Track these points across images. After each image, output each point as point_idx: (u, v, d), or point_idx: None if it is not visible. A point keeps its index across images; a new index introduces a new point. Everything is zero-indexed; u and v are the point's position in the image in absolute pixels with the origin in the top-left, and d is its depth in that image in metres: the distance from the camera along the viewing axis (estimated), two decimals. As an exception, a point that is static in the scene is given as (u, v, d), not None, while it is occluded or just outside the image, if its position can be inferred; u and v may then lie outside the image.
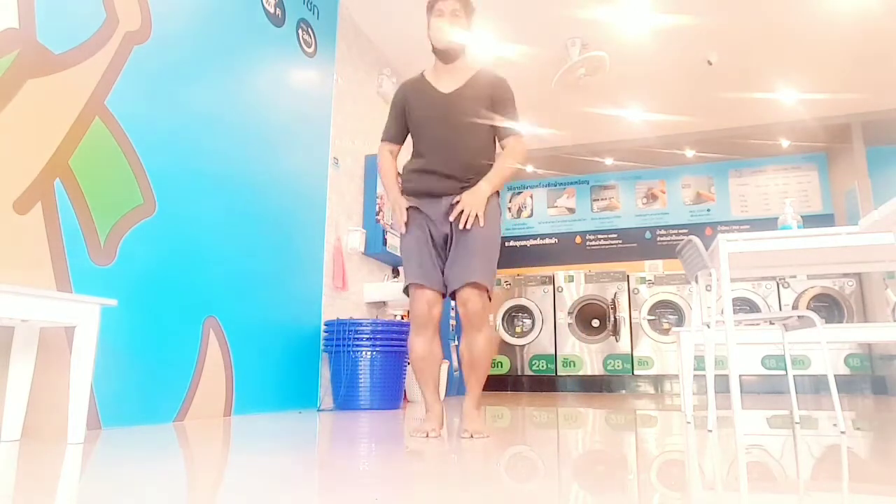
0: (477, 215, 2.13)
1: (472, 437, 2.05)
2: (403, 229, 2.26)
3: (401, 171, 2.37)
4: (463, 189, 2.21)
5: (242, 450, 1.74)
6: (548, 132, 6.61)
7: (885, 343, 5.36)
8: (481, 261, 2.14)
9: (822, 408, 3.63)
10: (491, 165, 2.27)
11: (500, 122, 2.27)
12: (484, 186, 2.17)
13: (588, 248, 7.39)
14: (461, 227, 2.13)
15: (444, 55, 2.27)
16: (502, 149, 2.32)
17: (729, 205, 7.02)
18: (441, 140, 2.23)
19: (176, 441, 1.95)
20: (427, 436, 2.08)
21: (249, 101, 3.26)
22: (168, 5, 2.72)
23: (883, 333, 2.95)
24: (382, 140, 2.41)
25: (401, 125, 2.37)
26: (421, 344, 2.20)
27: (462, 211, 2.13)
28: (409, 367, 4.09)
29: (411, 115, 2.31)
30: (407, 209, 2.25)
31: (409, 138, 2.42)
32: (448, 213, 2.19)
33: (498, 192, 2.29)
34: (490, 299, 2.19)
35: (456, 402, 4.37)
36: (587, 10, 4.42)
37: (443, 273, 2.21)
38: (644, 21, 4.55)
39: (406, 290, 2.26)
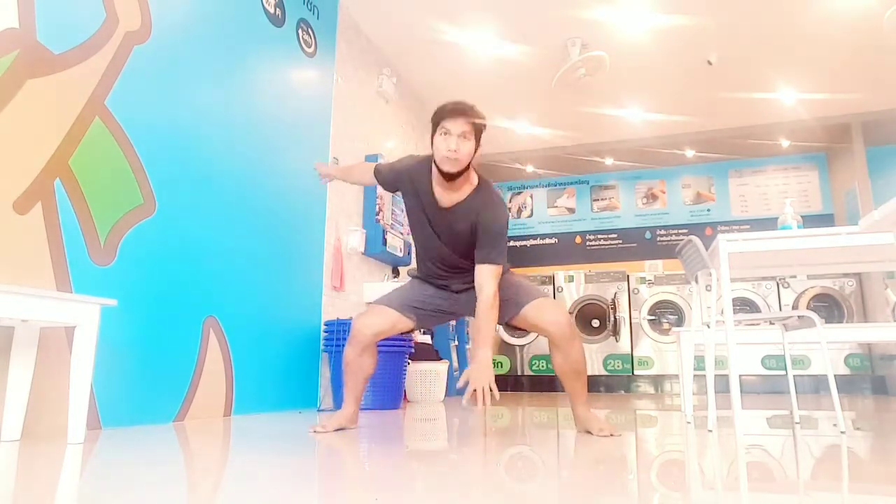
0: (491, 389, 1.95)
1: (611, 434, 2.07)
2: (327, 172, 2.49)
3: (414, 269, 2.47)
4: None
5: (242, 450, 1.74)
6: (548, 132, 6.60)
7: (885, 343, 5.35)
8: (526, 285, 2.27)
9: (822, 408, 3.63)
10: None
11: (479, 248, 2.16)
12: (486, 356, 2.01)
13: (588, 248, 7.38)
14: (479, 405, 1.95)
15: (446, 175, 2.10)
16: (475, 276, 2.16)
17: (729, 205, 7.02)
18: (441, 248, 2.24)
19: (176, 441, 1.95)
20: (314, 431, 2.20)
21: (249, 101, 3.26)
22: (168, 5, 2.72)
23: (883, 333, 2.95)
24: (375, 175, 2.40)
25: (394, 186, 2.35)
26: (351, 353, 2.32)
27: (475, 390, 1.93)
28: (408, 368, 4.09)
29: (408, 207, 2.31)
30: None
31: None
32: (453, 294, 2.31)
33: (505, 207, 2.29)
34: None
35: (457, 401, 4.37)
36: (587, 10, 4.42)
37: (428, 310, 2.33)
38: (644, 21, 4.55)
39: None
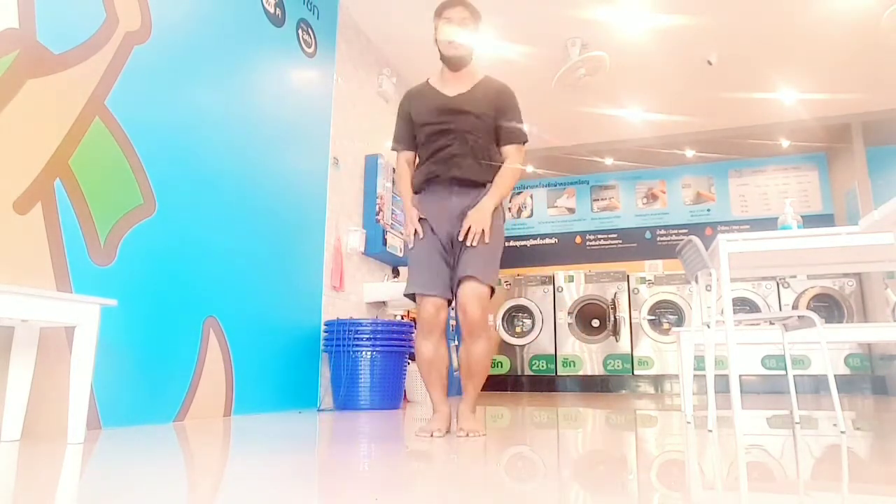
0: (483, 231, 2.18)
1: (468, 435, 2.08)
2: (411, 242, 2.31)
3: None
4: (473, 187, 2.27)
5: (242, 450, 1.74)
6: (548, 132, 6.61)
7: (885, 343, 5.36)
8: (484, 261, 2.18)
9: (822, 408, 3.63)
10: (494, 168, 2.29)
11: (504, 128, 2.30)
12: (487, 203, 2.22)
13: (588, 248, 7.39)
14: (469, 244, 2.18)
15: (453, 62, 2.28)
16: (503, 156, 2.33)
17: (729, 205, 7.02)
18: (447, 143, 2.25)
19: (176, 441, 1.95)
20: (431, 435, 2.10)
21: (249, 101, 3.26)
22: (168, 5, 2.72)
23: (883, 333, 2.95)
24: (395, 149, 2.44)
25: (410, 132, 2.39)
26: (428, 347, 2.23)
27: (469, 228, 2.18)
28: (408, 368, 4.09)
29: (417, 119, 2.33)
30: (419, 220, 2.30)
31: None
32: (456, 216, 2.25)
33: (502, 202, 2.32)
34: (491, 297, 2.23)
35: (457, 401, 4.37)
36: (587, 10, 4.42)
37: (450, 279, 2.26)
38: (644, 21, 4.55)
39: (410, 296, 2.29)
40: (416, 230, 2.27)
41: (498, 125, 2.30)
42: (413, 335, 3.74)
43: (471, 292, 2.15)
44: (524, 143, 2.35)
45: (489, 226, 2.19)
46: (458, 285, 2.19)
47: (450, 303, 2.28)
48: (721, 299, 2.38)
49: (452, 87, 2.31)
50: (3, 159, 1.98)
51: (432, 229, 2.27)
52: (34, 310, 1.77)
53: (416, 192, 2.36)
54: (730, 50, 4.93)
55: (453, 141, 2.25)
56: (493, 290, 2.22)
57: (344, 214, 4.20)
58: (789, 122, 6.25)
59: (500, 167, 2.31)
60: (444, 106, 2.27)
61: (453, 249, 2.27)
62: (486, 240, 2.17)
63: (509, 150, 2.32)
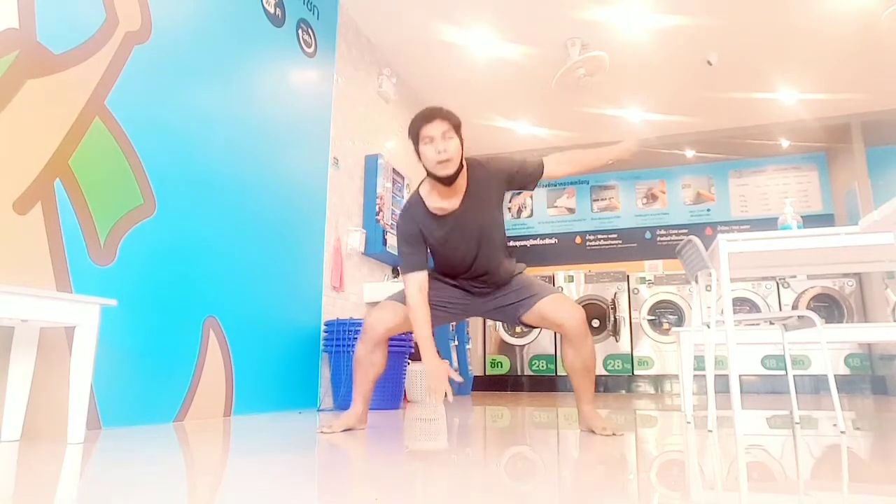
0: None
1: (613, 434, 2.09)
2: (439, 401, 2.27)
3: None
4: (499, 288, 2.29)
5: (242, 450, 1.74)
6: (548, 132, 6.61)
7: (885, 343, 5.36)
8: (539, 282, 2.29)
9: (822, 408, 3.63)
10: (508, 259, 2.31)
11: (524, 173, 2.22)
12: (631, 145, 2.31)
13: (588, 248, 7.39)
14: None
15: (447, 181, 2.08)
16: (547, 172, 2.24)
17: (729, 205, 7.02)
18: (464, 255, 2.21)
19: (176, 441, 1.95)
20: (321, 431, 2.19)
21: (249, 101, 3.26)
22: (168, 5, 2.72)
23: (883, 333, 2.95)
24: (407, 273, 2.19)
25: (423, 252, 2.21)
26: (362, 349, 2.30)
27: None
28: (408, 368, 4.09)
29: (429, 239, 2.21)
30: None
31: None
32: (468, 295, 2.30)
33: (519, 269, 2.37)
34: None
35: (457, 401, 4.37)
36: (587, 10, 4.42)
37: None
38: (644, 21, 4.55)
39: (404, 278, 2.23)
40: (446, 393, 2.03)
41: (512, 180, 2.22)
42: (412, 335, 3.75)
43: (563, 301, 2.21)
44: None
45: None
46: (537, 307, 2.20)
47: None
48: (721, 299, 2.39)
49: (450, 200, 2.15)
50: (3, 159, 1.98)
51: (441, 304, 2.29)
52: (34, 310, 1.77)
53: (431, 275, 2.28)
54: (730, 50, 4.93)
55: (469, 250, 2.19)
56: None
57: (344, 214, 4.20)
58: (789, 122, 6.25)
59: (511, 262, 2.32)
60: (446, 224, 2.16)
61: (456, 312, 2.35)
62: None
63: (548, 162, 2.24)
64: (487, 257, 2.22)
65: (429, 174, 2.11)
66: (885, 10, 4.23)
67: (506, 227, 2.32)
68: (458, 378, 2.06)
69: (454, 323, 5.30)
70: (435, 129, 2.03)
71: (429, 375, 2.08)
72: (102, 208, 2.33)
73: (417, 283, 2.17)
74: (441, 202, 2.14)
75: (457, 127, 2.08)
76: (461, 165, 2.08)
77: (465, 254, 2.20)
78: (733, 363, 2.28)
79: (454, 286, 2.33)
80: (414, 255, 2.19)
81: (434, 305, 2.26)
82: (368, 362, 2.30)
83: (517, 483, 1.25)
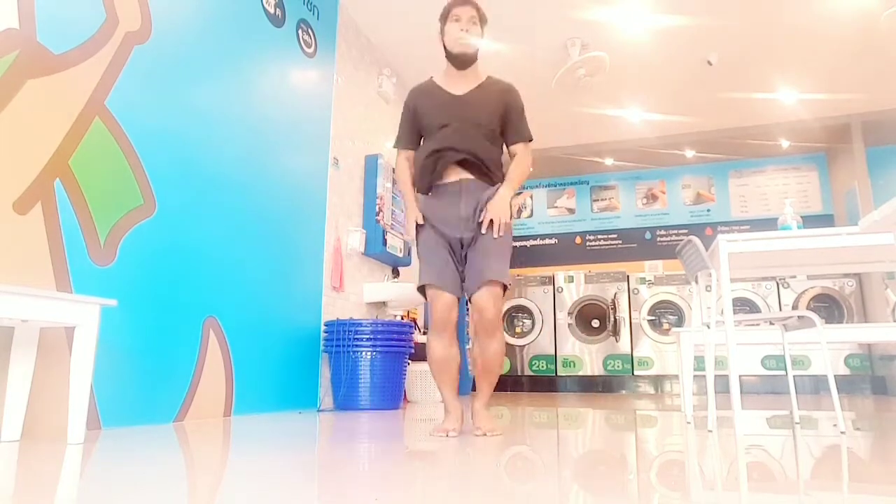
0: (502, 222, 2.22)
1: (485, 434, 2.09)
2: (411, 234, 2.33)
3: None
4: (479, 180, 2.28)
5: (242, 450, 1.74)
6: (547, 132, 6.61)
7: (885, 343, 5.36)
8: (496, 261, 2.20)
9: (822, 408, 3.63)
10: (499, 168, 2.32)
11: (511, 125, 2.33)
12: (505, 192, 2.26)
13: (588, 248, 7.39)
14: (494, 236, 2.20)
15: (460, 61, 2.29)
16: (510, 154, 2.38)
17: (729, 205, 7.02)
18: (453, 139, 2.26)
19: (176, 441, 1.95)
20: (447, 434, 2.11)
21: (249, 101, 3.26)
22: (168, 5, 2.72)
23: (883, 333, 2.95)
24: (397, 147, 2.44)
25: (414, 131, 2.39)
26: (440, 346, 2.23)
27: (491, 220, 2.21)
28: (408, 368, 4.09)
29: (423, 118, 2.33)
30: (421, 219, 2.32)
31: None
32: (465, 218, 2.25)
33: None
34: (504, 294, 2.24)
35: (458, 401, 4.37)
36: (587, 10, 4.42)
37: (461, 279, 2.27)
38: (644, 21, 4.55)
39: (421, 290, 2.29)
40: (416, 221, 2.29)
41: (504, 123, 2.33)
42: (412, 335, 3.75)
43: (487, 294, 2.16)
44: (530, 141, 2.38)
45: (509, 217, 2.23)
46: (474, 286, 2.19)
47: (459, 300, 2.28)
48: (721, 299, 2.38)
49: (458, 85, 2.32)
50: (3, 159, 1.98)
51: (439, 232, 2.27)
52: (34, 310, 1.77)
53: (421, 193, 2.36)
54: (730, 50, 4.94)
55: (461, 135, 2.25)
56: (506, 288, 2.23)
57: (344, 214, 4.20)
58: (789, 122, 6.26)
59: (500, 167, 2.33)
60: (450, 104, 2.29)
61: (461, 251, 2.28)
62: (503, 231, 2.21)
63: (517, 149, 2.36)
64: (474, 146, 2.25)
65: (447, 55, 2.30)
66: (885, 10, 4.23)
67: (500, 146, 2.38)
68: (419, 219, 2.27)
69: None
70: (464, 12, 2.26)
71: (407, 211, 2.35)
72: (102, 208, 2.33)
73: (405, 157, 2.43)
74: (449, 87, 2.31)
75: (483, 20, 2.32)
76: (476, 56, 2.28)
77: (453, 135, 2.25)
78: (733, 363, 2.28)
79: (448, 214, 2.26)
80: (405, 132, 2.41)
81: (451, 267, 2.24)
82: (451, 357, 2.24)
83: (517, 483, 1.25)
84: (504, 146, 2.38)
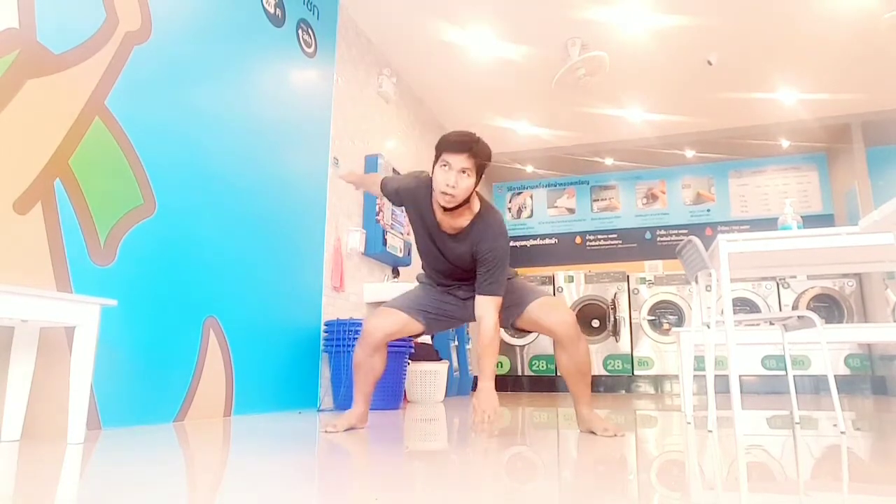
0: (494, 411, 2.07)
1: (615, 435, 2.08)
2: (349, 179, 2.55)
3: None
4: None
5: (242, 450, 1.74)
6: (548, 132, 6.61)
7: (885, 343, 5.36)
8: (529, 286, 2.32)
9: (822, 408, 3.63)
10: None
11: (479, 278, 2.16)
12: (487, 387, 2.06)
13: (588, 248, 7.39)
14: (485, 431, 2.21)
15: (443, 207, 2.10)
16: (475, 308, 2.18)
17: (729, 205, 7.02)
18: (447, 267, 2.28)
19: (176, 441, 1.95)
20: (326, 431, 2.21)
21: (249, 101, 3.26)
22: (168, 5, 2.72)
23: (883, 333, 2.95)
24: (383, 191, 2.42)
25: (395, 203, 2.38)
26: (361, 354, 2.33)
27: (485, 416, 2.02)
28: (408, 368, 4.09)
29: (411, 221, 2.31)
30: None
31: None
32: (460, 300, 2.33)
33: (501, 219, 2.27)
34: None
35: (457, 402, 4.37)
36: (587, 10, 4.42)
37: (437, 319, 2.36)
38: (644, 21, 4.55)
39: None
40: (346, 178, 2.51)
41: (478, 270, 2.16)
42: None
43: (554, 305, 2.23)
44: (498, 297, 2.16)
45: (497, 407, 2.03)
46: (527, 312, 2.21)
47: (421, 333, 2.39)
48: (721, 299, 2.39)
49: (449, 220, 2.16)
50: (3, 159, 1.98)
51: (438, 305, 2.35)
52: (34, 310, 1.77)
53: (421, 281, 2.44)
54: (730, 50, 4.93)
55: (447, 266, 2.27)
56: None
57: (344, 214, 4.20)
58: (789, 122, 6.25)
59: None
60: (438, 237, 2.21)
61: (451, 319, 2.39)
62: (500, 422, 2.24)
63: (481, 301, 2.14)
64: (463, 276, 2.28)
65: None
66: (885, 13, 4.23)
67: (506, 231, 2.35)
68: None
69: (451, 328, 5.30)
70: (457, 161, 2.00)
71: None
72: (102, 208, 2.33)
73: (381, 188, 2.43)
74: (441, 218, 2.18)
75: (481, 167, 2.05)
76: (466, 202, 2.09)
77: (445, 265, 2.27)
78: (733, 363, 2.28)
79: (445, 292, 2.36)
80: (394, 187, 2.35)
81: (430, 314, 2.33)
82: (368, 366, 2.33)
83: (517, 483, 1.25)
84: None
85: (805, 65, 5.19)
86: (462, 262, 2.21)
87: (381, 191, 2.42)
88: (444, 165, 2.01)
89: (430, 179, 2.13)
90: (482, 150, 2.05)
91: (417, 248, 2.34)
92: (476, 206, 2.17)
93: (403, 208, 2.35)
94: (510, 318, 2.25)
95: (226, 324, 2.96)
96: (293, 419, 2.81)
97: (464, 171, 2.00)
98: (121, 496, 1.08)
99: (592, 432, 2.15)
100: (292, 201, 3.59)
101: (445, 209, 2.08)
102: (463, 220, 2.15)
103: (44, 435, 2.00)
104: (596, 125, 6.45)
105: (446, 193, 2.01)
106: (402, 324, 2.29)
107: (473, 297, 2.22)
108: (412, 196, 2.24)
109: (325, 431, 2.21)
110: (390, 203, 2.49)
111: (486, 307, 2.12)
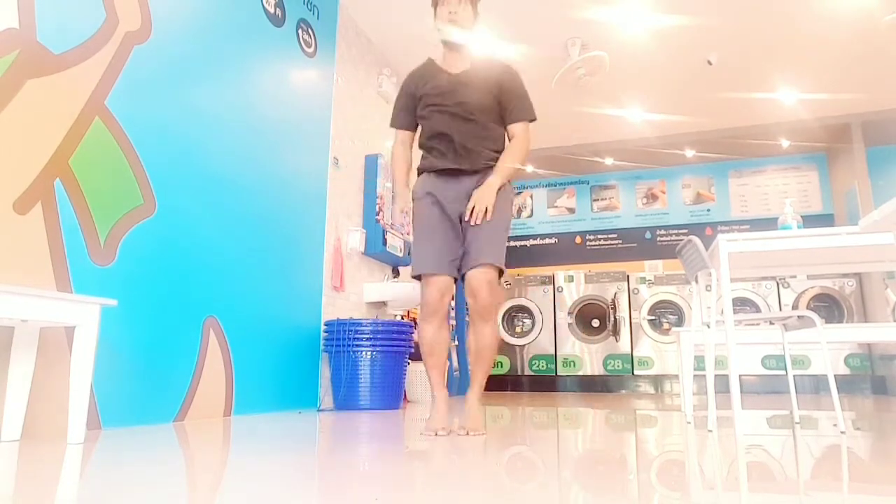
0: (487, 210, 2.18)
1: (468, 434, 2.07)
2: (400, 219, 2.32)
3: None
4: (476, 172, 2.26)
5: (242, 450, 1.74)
6: (548, 132, 6.61)
7: (885, 343, 5.36)
8: (490, 244, 2.18)
9: (822, 408, 3.63)
10: (500, 149, 2.31)
11: (511, 104, 2.29)
12: (493, 180, 2.22)
13: (588, 248, 7.39)
14: (472, 223, 2.18)
15: (452, 43, 2.29)
16: (509, 136, 2.34)
17: (729, 205, 7.02)
18: (452, 121, 2.25)
19: (176, 441, 1.95)
20: (436, 434, 2.09)
21: (249, 101, 3.26)
22: (168, 5, 2.72)
23: (883, 333, 2.95)
24: (393, 126, 2.42)
25: (411, 111, 2.38)
26: (430, 330, 2.23)
27: (474, 207, 2.18)
28: (408, 368, 4.09)
29: (421, 98, 2.32)
30: (417, 198, 2.30)
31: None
32: (465, 195, 2.25)
33: (510, 181, 2.31)
34: (500, 278, 2.24)
35: (457, 402, 4.37)
36: (587, 10, 4.42)
37: (459, 257, 2.25)
38: (644, 21, 4.55)
39: (416, 276, 2.28)
40: (404, 211, 2.28)
41: (504, 102, 2.29)
42: (412, 335, 3.75)
43: (482, 277, 2.15)
44: (532, 121, 2.33)
45: (493, 204, 2.18)
46: (468, 269, 2.18)
47: (456, 280, 2.27)
48: (721, 299, 2.38)
49: (456, 65, 2.32)
50: (3, 159, 1.98)
51: (441, 206, 2.26)
52: (34, 310, 1.77)
53: (422, 171, 2.36)
54: (730, 50, 4.93)
55: (458, 124, 2.24)
56: (502, 272, 2.22)
57: (344, 214, 4.20)
58: (789, 122, 6.25)
59: (501, 148, 2.33)
60: (448, 82, 2.28)
61: (463, 228, 2.27)
62: (489, 217, 2.17)
63: (517, 129, 2.30)
64: (470, 137, 2.25)
65: (441, 38, 2.28)
66: (885, 13, 4.23)
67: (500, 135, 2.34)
68: (408, 209, 2.28)
69: (452, 323, 5.30)
70: None
71: (397, 204, 2.29)
72: (102, 208, 2.33)
73: (400, 139, 2.40)
74: (448, 64, 2.30)
75: (474, 0, 2.27)
76: (469, 37, 2.26)
77: (452, 121, 2.25)
78: (733, 363, 2.28)
79: (445, 190, 2.27)
80: (400, 111, 2.39)
81: (447, 248, 2.23)
82: (439, 341, 2.24)
83: (517, 483, 1.25)
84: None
85: (805, 65, 5.18)
86: (471, 98, 2.23)
87: (397, 126, 2.40)
88: (444, 2, 2.23)
89: (423, 62, 2.38)
90: None
91: (427, 118, 2.30)
92: (475, 52, 2.36)
93: (418, 100, 2.32)
94: (464, 266, 2.21)
95: (226, 324, 2.96)
96: (293, 419, 2.81)
97: (459, 2, 2.23)
98: (121, 496, 1.08)
99: (462, 427, 2.13)
100: (292, 201, 3.59)
101: (452, 49, 2.28)
102: (466, 62, 2.31)
103: (44, 435, 2.00)
104: (596, 125, 6.45)
105: (451, 22, 2.21)
106: (448, 281, 2.24)
107: (471, 192, 2.24)
108: (415, 73, 2.36)
109: (437, 434, 2.08)
110: (406, 124, 2.39)
111: (520, 131, 2.30)
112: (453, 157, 2.25)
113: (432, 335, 2.23)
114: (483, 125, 2.26)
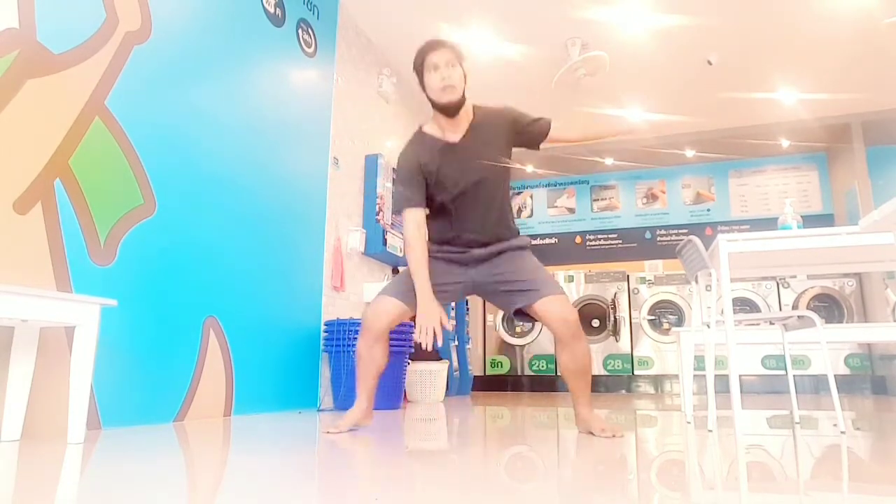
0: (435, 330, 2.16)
1: (614, 435, 2.06)
2: (429, 336, 2.13)
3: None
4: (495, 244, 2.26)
5: (242, 450, 1.74)
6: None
7: (885, 343, 5.36)
8: (547, 278, 2.21)
9: (822, 408, 3.63)
10: (511, 216, 2.32)
11: (529, 132, 2.30)
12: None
13: (588, 248, 7.39)
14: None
15: (449, 109, 2.16)
16: (550, 141, 2.33)
17: (729, 205, 7.02)
18: (463, 193, 2.21)
19: (176, 441, 1.95)
20: (327, 432, 2.17)
21: (249, 101, 3.26)
22: (168, 5, 2.72)
23: (883, 333, 2.95)
24: (406, 208, 2.24)
25: (422, 188, 2.24)
26: (363, 345, 2.28)
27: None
28: (408, 368, 4.09)
29: (430, 174, 2.22)
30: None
31: None
32: (480, 260, 2.25)
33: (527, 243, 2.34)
34: None
35: (456, 401, 4.37)
36: (587, 10, 4.42)
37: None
38: (644, 21, 4.55)
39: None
40: (435, 331, 2.12)
41: (520, 130, 2.28)
42: (413, 335, 3.75)
43: (562, 300, 2.16)
44: (551, 122, 2.33)
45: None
46: (535, 301, 2.15)
47: (413, 315, 2.24)
48: (721, 299, 2.39)
49: (453, 130, 2.22)
50: (3, 159, 1.98)
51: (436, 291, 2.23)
52: (34, 310, 1.77)
53: (436, 242, 2.30)
54: (730, 50, 4.93)
55: (468, 189, 2.20)
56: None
57: (344, 214, 4.20)
58: (789, 122, 6.25)
59: (513, 224, 2.33)
60: (452, 152, 2.20)
61: (452, 292, 2.29)
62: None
63: (551, 131, 2.30)
64: (486, 204, 2.23)
65: (433, 105, 2.18)
66: (886, 15, 4.23)
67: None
68: (448, 325, 2.14)
69: (454, 302, 5.29)
70: (440, 57, 2.11)
71: (421, 315, 2.13)
72: (102, 208, 2.33)
73: (416, 219, 2.23)
74: (446, 133, 2.21)
75: (460, 57, 2.16)
76: (464, 97, 2.16)
77: (463, 190, 2.21)
78: (733, 363, 2.28)
79: (450, 260, 2.27)
80: (412, 190, 2.23)
81: (433, 289, 2.22)
82: (369, 358, 2.28)
83: (517, 483, 1.25)
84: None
85: (805, 65, 5.18)
86: (485, 155, 2.20)
87: (412, 206, 2.24)
88: (432, 69, 2.12)
89: (416, 132, 2.27)
90: (454, 44, 2.18)
91: (436, 193, 2.24)
92: (470, 108, 2.25)
93: (427, 177, 2.23)
94: (520, 301, 2.18)
95: (226, 324, 2.96)
96: (293, 419, 2.81)
97: (450, 64, 2.11)
98: (121, 496, 1.08)
99: (591, 433, 2.14)
100: (292, 201, 3.59)
101: (449, 115, 2.16)
102: (465, 123, 2.22)
103: (44, 435, 2.00)
104: (595, 125, 6.44)
105: (446, 88, 2.10)
106: (400, 309, 2.23)
107: (478, 261, 2.24)
108: (415, 150, 2.24)
109: (327, 433, 2.18)
110: (422, 188, 2.25)
111: (551, 126, 2.31)
112: (471, 234, 2.25)
113: (364, 350, 2.27)
114: (493, 188, 2.23)
